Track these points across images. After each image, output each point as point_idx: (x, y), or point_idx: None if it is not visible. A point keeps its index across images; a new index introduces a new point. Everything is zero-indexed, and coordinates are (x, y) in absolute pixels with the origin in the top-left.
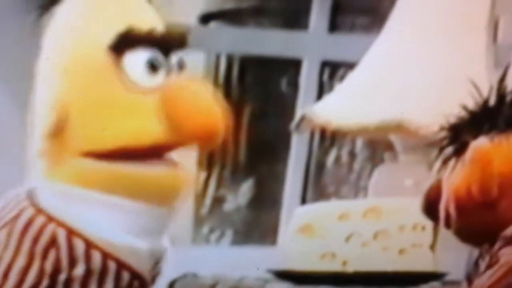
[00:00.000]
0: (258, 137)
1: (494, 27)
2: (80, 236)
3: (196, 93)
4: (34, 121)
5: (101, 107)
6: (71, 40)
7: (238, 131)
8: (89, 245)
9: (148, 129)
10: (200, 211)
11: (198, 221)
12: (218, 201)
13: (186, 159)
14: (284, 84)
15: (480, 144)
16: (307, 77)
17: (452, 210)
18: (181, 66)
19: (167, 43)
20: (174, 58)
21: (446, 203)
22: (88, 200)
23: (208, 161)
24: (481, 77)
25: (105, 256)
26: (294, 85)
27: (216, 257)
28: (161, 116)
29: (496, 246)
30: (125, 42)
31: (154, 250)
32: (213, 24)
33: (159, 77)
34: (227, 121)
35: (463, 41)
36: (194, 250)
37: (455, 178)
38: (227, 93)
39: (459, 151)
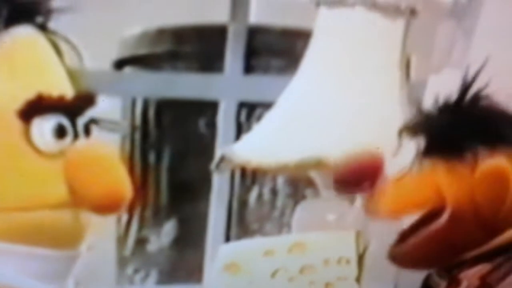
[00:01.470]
0: (179, 178)
1: (406, 65)
2: None
3: (99, 158)
4: None
5: (3, 171)
6: None
7: (158, 172)
8: None
9: (52, 194)
10: (123, 252)
11: (122, 262)
12: (141, 241)
13: None
14: (202, 125)
15: (497, 162)
16: (225, 118)
17: (444, 216)
18: (87, 130)
19: (75, 108)
20: (81, 122)
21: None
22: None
23: (130, 203)
24: (395, 114)
25: None
26: (212, 126)
27: None
28: (65, 181)
29: (455, 270)
30: (34, 109)
31: None
32: (127, 69)
33: (65, 142)
34: (134, 184)
35: (376, 79)
36: None
37: (453, 186)
38: (145, 135)
39: (449, 156)
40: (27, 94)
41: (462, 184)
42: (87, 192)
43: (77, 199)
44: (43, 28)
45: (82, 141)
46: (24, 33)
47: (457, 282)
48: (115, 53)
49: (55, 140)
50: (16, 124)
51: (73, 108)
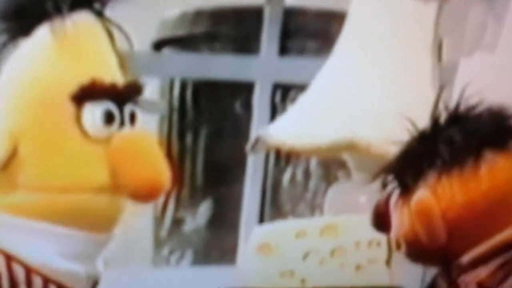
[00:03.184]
0: (215, 159)
1: (438, 47)
2: (19, 262)
3: (142, 148)
4: None
5: (51, 150)
6: (33, 77)
7: (194, 153)
8: (29, 271)
9: (94, 177)
10: (160, 233)
11: (158, 243)
12: (177, 222)
13: None
14: (237, 107)
15: (421, 196)
16: (260, 100)
17: (403, 247)
18: (133, 118)
19: (124, 96)
20: (128, 110)
21: (396, 236)
22: (26, 228)
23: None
24: (427, 96)
25: (46, 280)
26: (247, 107)
27: (177, 278)
28: (107, 166)
29: (454, 273)
30: (86, 94)
31: (91, 273)
32: (166, 50)
33: (113, 128)
34: (172, 165)
35: (409, 61)
36: (155, 272)
37: (402, 222)
38: (182, 116)
39: (402, 192)
40: (81, 78)
41: (406, 216)
42: (128, 180)
43: (118, 185)
44: (100, 15)
45: (127, 128)
46: (84, 19)
47: (456, 286)
48: (154, 34)
49: (103, 126)
50: (69, 107)
51: (122, 96)
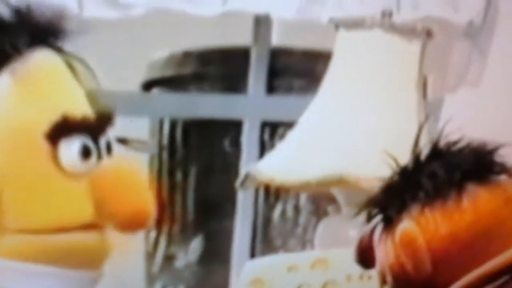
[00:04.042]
0: (205, 195)
1: (423, 84)
2: None
3: (124, 177)
4: None
5: (31, 191)
6: (5, 120)
7: (185, 189)
8: None
9: (78, 214)
10: (152, 269)
11: (150, 278)
12: (169, 258)
13: None
14: (227, 144)
15: (405, 227)
16: (249, 137)
17: (389, 280)
18: (109, 149)
19: (98, 128)
20: (103, 141)
21: (381, 270)
22: (22, 272)
23: (158, 220)
24: (413, 132)
25: None
26: (236, 144)
27: None
28: (91, 200)
29: None
30: (60, 131)
31: None
32: (155, 90)
33: (91, 162)
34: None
35: (394, 98)
36: None
37: (387, 254)
38: (172, 154)
39: (386, 225)
40: (50, 116)
41: (390, 248)
42: (112, 210)
43: (103, 217)
44: (59, 50)
45: (106, 160)
46: (42, 56)
47: None
48: (144, 75)
49: (81, 161)
50: (43, 146)
51: (96, 128)
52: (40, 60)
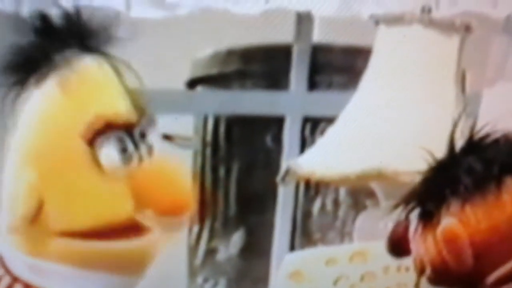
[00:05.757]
0: (247, 190)
1: (462, 78)
2: None
3: (165, 172)
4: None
5: (73, 193)
6: (45, 125)
7: (227, 185)
8: None
9: (119, 207)
10: (194, 262)
11: (192, 271)
12: (210, 252)
13: None
14: (268, 140)
15: (448, 224)
16: (290, 133)
17: (428, 272)
18: (150, 150)
19: (138, 129)
20: (144, 144)
21: (418, 262)
22: (63, 274)
23: (200, 215)
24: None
25: None
26: (278, 140)
27: None
28: (132, 196)
29: None
30: (98, 132)
31: None
32: (199, 88)
33: (132, 164)
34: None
35: (433, 93)
36: None
37: (428, 248)
38: (215, 151)
39: (425, 219)
40: (91, 116)
41: (431, 243)
42: (152, 200)
43: (142, 207)
44: (106, 55)
45: (147, 161)
46: (90, 63)
47: None
48: (188, 73)
49: (121, 162)
50: (84, 148)
51: (136, 130)
52: (87, 67)
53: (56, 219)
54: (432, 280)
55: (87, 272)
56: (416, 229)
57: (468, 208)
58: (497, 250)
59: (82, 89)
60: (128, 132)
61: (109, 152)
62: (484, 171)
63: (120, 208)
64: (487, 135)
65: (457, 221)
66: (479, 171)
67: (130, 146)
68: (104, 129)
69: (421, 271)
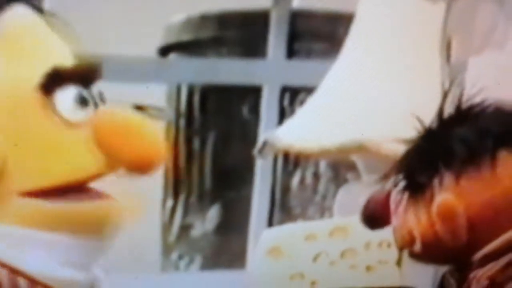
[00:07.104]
0: (223, 163)
1: (447, 47)
2: (22, 275)
3: (128, 119)
4: None
5: (34, 147)
6: None
7: (202, 158)
8: (33, 283)
9: (83, 163)
10: (168, 238)
11: (167, 248)
12: (185, 228)
13: (152, 188)
14: (245, 111)
15: (444, 199)
16: (268, 103)
17: (418, 246)
18: (102, 97)
19: (88, 77)
20: (95, 90)
21: (401, 235)
22: (27, 238)
23: (174, 189)
24: (436, 96)
25: None
26: (255, 111)
27: (186, 283)
28: (94, 147)
29: (465, 270)
30: (53, 81)
31: (91, 279)
32: (172, 56)
33: (88, 111)
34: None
35: (417, 61)
36: (164, 277)
37: (419, 221)
38: (189, 122)
39: (414, 191)
40: (40, 70)
41: (423, 217)
42: (122, 153)
43: (114, 164)
44: (39, 10)
45: (102, 107)
46: (21, 13)
47: (467, 282)
48: (160, 40)
49: (78, 109)
50: (38, 100)
51: (87, 78)
52: (19, 17)
53: (17, 177)
54: (418, 255)
55: (47, 234)
56: (400, 201)
57: (463, 182)
58: (491, 225)
59: (21, 41)
60: (79, 80)
61: (64, 98)
62: (477, 142)
63: (83, 162)
64: (475, 105)
65: (453, 196)
66: (472, 141)
67: (84, 91)
68: (56, 77)
69: (409, 244)
